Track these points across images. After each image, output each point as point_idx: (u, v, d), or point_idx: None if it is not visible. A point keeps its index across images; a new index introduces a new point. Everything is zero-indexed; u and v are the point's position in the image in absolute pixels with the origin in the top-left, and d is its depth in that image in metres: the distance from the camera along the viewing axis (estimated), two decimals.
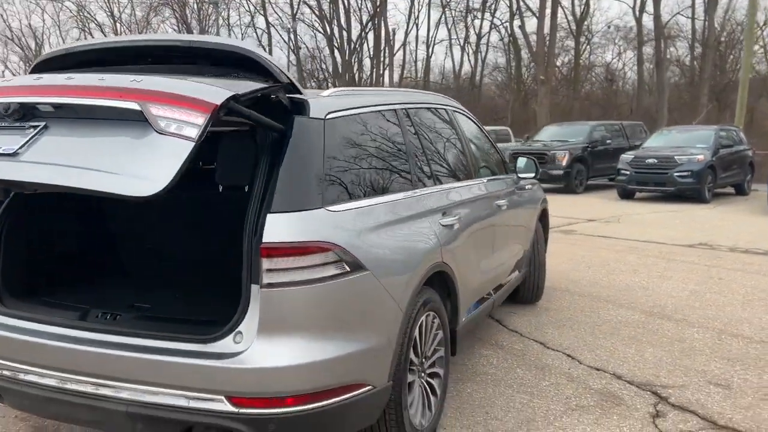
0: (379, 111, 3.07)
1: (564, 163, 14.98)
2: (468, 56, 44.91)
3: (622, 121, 19.37)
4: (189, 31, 42.68)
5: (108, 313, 2.56)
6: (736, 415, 3.39)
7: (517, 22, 35.87)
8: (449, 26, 43.75)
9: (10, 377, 2.50)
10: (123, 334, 2.35)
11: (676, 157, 13.07)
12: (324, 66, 44.85)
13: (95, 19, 45.67)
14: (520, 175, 4.84)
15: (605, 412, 3.43)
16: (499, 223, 4.20)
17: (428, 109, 3.74)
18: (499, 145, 18.72)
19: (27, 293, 2.73)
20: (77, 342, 2.37)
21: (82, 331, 2.42)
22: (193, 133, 1.99)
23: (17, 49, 44.42)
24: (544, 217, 5.63)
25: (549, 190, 15.74)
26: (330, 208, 2.40)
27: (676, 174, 12.92)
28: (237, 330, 2.23)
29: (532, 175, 4.88)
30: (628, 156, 13.89)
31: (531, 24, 34.46)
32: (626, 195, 13.89)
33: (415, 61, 46.17)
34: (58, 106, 2.20)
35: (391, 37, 41.90)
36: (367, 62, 43.73)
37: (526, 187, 5.08)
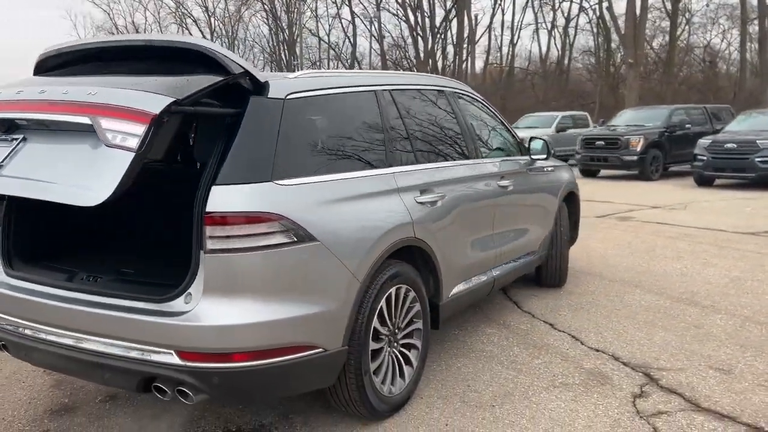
0: (353, 92, 3.22)
1: (638, 148, 14.45)
2: (555, 41, 43.79)
3: (711, 104, 18.35)
4: (276, 22, 43.86)
5: (91, 276, 2.87)
6: (723, 399, 3.32)
7: (605, 3, 34.57)
8: (536, 10, 42.79)
9: (12, 331, 2.86)
10: (97, 293, 2.65)
11: (758, 141, 12.31)
12: (407, 54, 45.03)
13: (191, 14, 47.89)
14: (534, 157, 4.83)
15: (587, 390, 3.45)
16: (502, 203, 4.25)
17: (418, 91, 3.84)
18: (576, 130, 18.23)
19: (32, 258, 3.09)
20: (62, 300, 2.69)
21: (67, 291, 2.73)
22: (134, 143, 2.23)
23: None
24: (572, 201, 5.58)
25: (622, 176, 15.39)
26: (280, 182, 2.58)
27: (757, 159, 12.18)
28: (187, 291, 2.46)
29: (544, 156, 4.86)
30: (705, 141, 13.22)
31: (620, 6, 33.18)
32: (703, 182, 13.22)
33: (500, 47, 45.49)
34: (32, 120, 2.53)
35: (475, 23, 41.47)
36: (450, 49, 43.52)
37: (546, 168, 5.06)
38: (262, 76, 2.72)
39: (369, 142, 3.20)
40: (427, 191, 3.41)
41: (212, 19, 47.30)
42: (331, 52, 47.98)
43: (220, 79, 2.53)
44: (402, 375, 3.25)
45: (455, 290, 3.74)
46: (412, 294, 3.27)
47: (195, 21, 47.27)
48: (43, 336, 2.73)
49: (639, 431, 3.00)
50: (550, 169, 5.14)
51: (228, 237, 2.41)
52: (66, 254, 3.25)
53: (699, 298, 5.12)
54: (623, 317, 4.66)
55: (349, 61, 46.10)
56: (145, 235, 3.79)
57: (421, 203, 3.31)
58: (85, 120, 2.32)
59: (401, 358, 3.25)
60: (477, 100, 4.53)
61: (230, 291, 2.45)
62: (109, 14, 55.26)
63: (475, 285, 3.99)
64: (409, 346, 3.33)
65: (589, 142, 15.51)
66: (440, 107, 3.99)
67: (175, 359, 2.44)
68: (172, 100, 2.29)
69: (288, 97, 2.78)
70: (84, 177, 2.30)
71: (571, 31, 42.16)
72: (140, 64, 2.79)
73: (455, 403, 3.33)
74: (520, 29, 46.14)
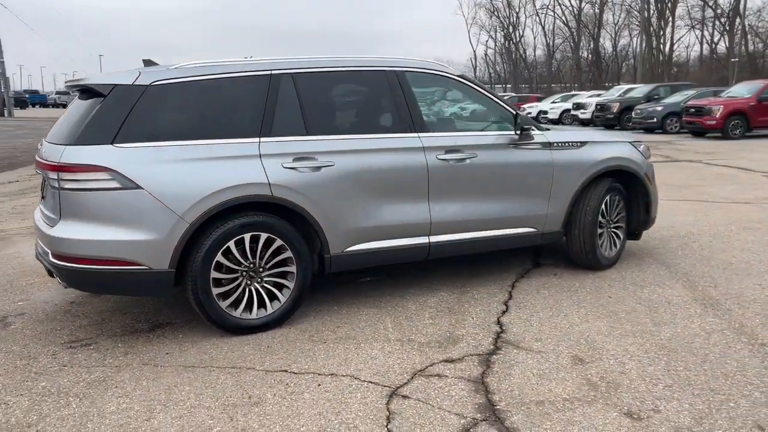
0: (232, 77, 4.04)
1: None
2: None
3: None
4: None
5: None
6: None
7: None
8: None
9: None
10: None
11: None
12: None
13: None
14: (523, 133, 4.79)
15: (401, 347, 3.72)
16: (445, 176, 4.49)
17: (337, 72, 4.37)
18: None
19: None
20: None
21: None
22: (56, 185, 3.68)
23: None
24: (629, 182, 5.32)
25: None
26: (119, 145, 3.66)
27: None
28: (56, 215, 3.75)
29: (512, 132, 4.81)
30: None
31: None
32: None
33: None
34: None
35: None
36: None
37: (557, 144, 4.94)
38: (130, 74, 3.83)
39: (237, 117, 4.02)
40: (306, 158, 4.06)
41: None
42: None
43: (101, 101, 3.75)
44: (264, 306, 4.03)
45: (354, 248, 4.27)
46: (278, 242, 4.00)
47: None
48: None
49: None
50: (562, 145, 4.98)
51: (70, 180, 3.62)
52: None
53: (716, 294, 4.45)
54: (591, 305, 4.44)
55: None
56: None
57: (289, 168, 3.99)
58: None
59: (265, 293, 4.02)
60: (448, 80, 4.76)
61: (75, 217, 3.66)
62: None
63: (393, 247, 4.39)
64: (278, 285, 4.08)
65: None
66: (367, 87, 4.46)
67: (51, 258, 3.77)
68: (65, 146, 3.67)
69: (153, 83, 3.83)
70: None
71: None
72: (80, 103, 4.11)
73: (307, 334, 3.97)
74: None
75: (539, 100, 38.43)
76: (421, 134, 4.50)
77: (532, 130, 4.90)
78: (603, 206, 5.17)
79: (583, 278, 5.07)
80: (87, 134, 3.70)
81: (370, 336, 3.95)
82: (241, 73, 4.10)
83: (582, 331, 3.97)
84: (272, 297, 4.08)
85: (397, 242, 4.43)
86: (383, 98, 4.52)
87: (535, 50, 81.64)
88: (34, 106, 66.49)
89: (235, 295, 3.97)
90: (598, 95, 31.06)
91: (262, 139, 4.01)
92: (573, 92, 41.24)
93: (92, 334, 4.07)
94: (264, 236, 3.97)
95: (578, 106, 29.48)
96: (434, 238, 4.56)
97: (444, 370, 3.44)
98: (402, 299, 4.62)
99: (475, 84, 4.90)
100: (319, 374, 3.42)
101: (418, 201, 4.46)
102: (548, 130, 5.15)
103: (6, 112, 39.37)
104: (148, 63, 4.41)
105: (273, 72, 4.16)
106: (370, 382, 3.30)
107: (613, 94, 28.96)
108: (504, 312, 4.34)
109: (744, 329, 3.95)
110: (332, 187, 4.13)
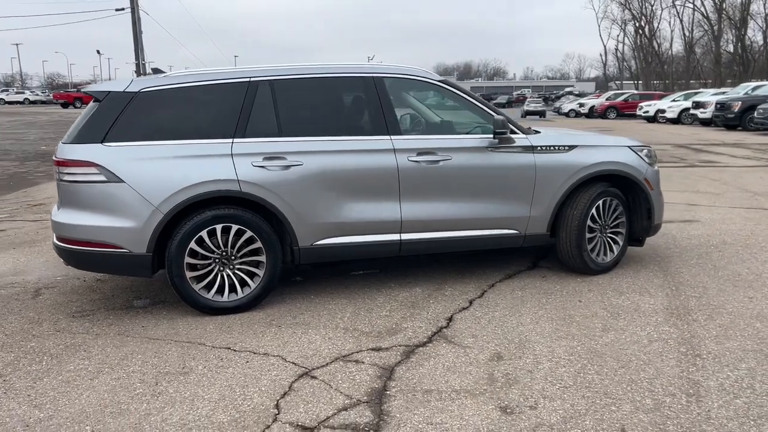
0: (213, 84, 4.51)
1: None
2: None
3: None
4: None
5: None
6: None
7: None
8: None
9: None
10: None
11: None
12: None
13: None
14: (501, 137, 4.90)
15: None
16: (416, 177, 4.71)
17: (315, 80, 4.72)
18: None
19: None
20: None
21: None
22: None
23: None
24: (628, 188, 5.32)
25: None
26: (108, 144, 4.25)
27: None
28: (60, 204, 4.41)
29: (490, 135, 4.89)
30: None
31: None
32: None
33: None
34: None
35: None
36: None
37: (541, 148, 5.00)
38: (123, 82, 4.41)
39: (215, 120, 4.48)
40: (276, 158, 4.45)
41: None
42: None
43: (97, 105, 4.36)
44: (235, 289, 4.48)
45: (323, 242, 4.62)
46: (248, 233, 4.44)
47: None
48: None
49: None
50: (546, 149, 5.03)
51: (67, 173, 4.25)
52: None
53: (693, 305, 4.34)
54: (549, 308, 4.50)
55: None
56: None
57: (257, 166, 4.41)
58: None
59: (235, 277, 4.47)
60: (430, 85, 4.97)
61: (70, 205, 4.30)
62: None
63: (363, 242, 4.69)
64: (249, 273, 4.51)
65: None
66: (345, 93, 4.78)
67: (54, 239, 4.44)
68: (65, 144, 4.31)
69: (142, 90, 4.38)
70: None
71: None
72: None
73: (269, 318, 4.37)
74: None
75: (662, 97, 36.44)
76: (393, 137, 4.74)
77: (513, 133, 4.99)
78: (594, 210, 5.15)
79: (567, 282, 5.09)
80: (82, 134, 4.32)
81: (324, 323, 4.28)
82: (222, 81, 4.57)
83: (524, 331, 4.06)
84: (244, 283, 4.51)
85: (367, 238, 4.72)
86: (359, 103, 4.82)
87: (672, 44, 77.06)
88: None
89: (208, 279, 4.44)
90: (723, 93, 29.00)
91: (236, 140, 4.45)
92: (698, 90, 38.67)
93: (96, 307, 4.72)
94: (235, 227, 4.41)
95: (698, 105, 27.72)
96: (405, 236, 4.79)
97: (365, 357, 3.71)
98: (376, 292, 4.90)
99: (457, 89, 5.06)
100: (254, 353, 3.80)
101: (389, 200, 4.72)
102: (537, 133, 5.21)
103: None
104: (156, 71, 5.00)
105: (251, 79, 4.59)
106: (292, 363, 3.64)
107: (739, 91, 26.92)
108: (463, 309, 4.50)
109: (691, 340, 3.86)
110: (300, 184, 4.50)
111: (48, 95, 69.96)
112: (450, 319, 4.30)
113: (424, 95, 5.69)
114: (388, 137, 4.73)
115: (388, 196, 4.72)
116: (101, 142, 4.28)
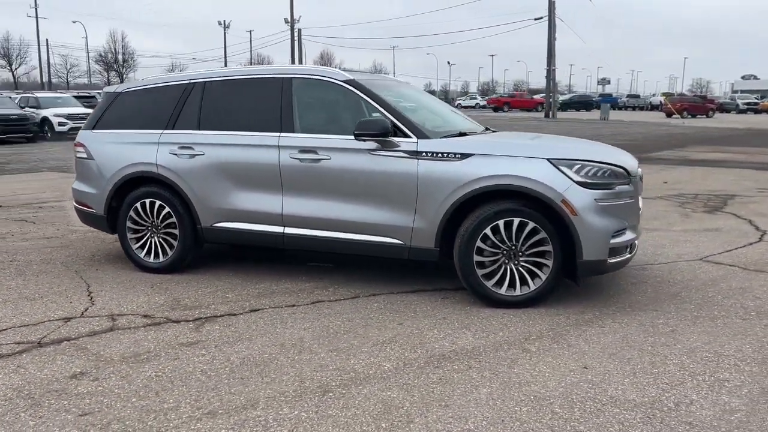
0: (163, 86, 5.52)
1: None
2: None
3: None
4: None
5: None
6: None
7: None
8: None
9: None
10: None
11: None
12: None
13: None
14: (363, 138, 4.69)
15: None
16: (298, 174, 4.91)
17: (235, 81, 5.27)
18: None
19: None
20: None
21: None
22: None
23: None
24: (500, 200, 4.45)
25: None
26: (95, 131, 5.73)
27: None
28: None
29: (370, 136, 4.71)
30: None
31: None
32: None
33: None
34: None
35: None
36: None
37: (426, 154, 4.57)
38: (118, 85, 5.82)
39: (156, 114, 5.49)
40: (187, 147, 5.28)
41: None
42: None
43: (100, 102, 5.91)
44: (165, 253, 5.47)
45: (220, 224, 5.24)
46: (166, 209, 5.39)
47: None
48: None
49: None
50: (434, 155, 4.55)
51: (76, 151, 5.89)
52: None
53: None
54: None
55: None
56: None
57: (173, 154, 5.30)
58: None
59: (161, 244, 5.47)
60: (332, 85, 5.01)
61: (77, 176, 5.93)
62: None
63: (251, 230, 5.12)
64: (167, 241, 5.45)
65: None
66: (259, 92, 5.18)
67: (74, 203, 6.15)
68: (82, 129, 5.96)
69: (123, 91, 5.75)
70: None
71: None
72: None
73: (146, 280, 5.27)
74: None
75: None
76: (283, 134, 5.00)
77: (404, 136, 4.66)
78: (490, 231, 4.40)
79: (454, 308, 4.50)
80: (88, 123, 5.92)
81: (158, 290, 4.95)
82: (172, 83, 5.60)
83: (283, 335, 4.03)
84: (169, 249, 5.44)
85: (254, 227, 5.13)
86: (267, 101, 5.18)
87: None
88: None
89: (142, 242, 5.54)
90: None
91: (165, 131, 5.42)
92: None
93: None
94: (158, 203, 5.40)
95: None
96: (288, 230, 5.02)
97: (138, 319, 4.33)
98: (261, 278, 5.23)
99: (360, 89, 4.92)
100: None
101: (272, 193, 5.03)
102: (443, 138, 4.72)
103: (551, 114, 44.70)
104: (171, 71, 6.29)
105: (191, 81, 5.49)
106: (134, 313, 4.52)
107: None
108: (255, 311, 4.57)
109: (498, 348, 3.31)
110: (201, 171, 5.21)
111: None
112: (232, 314, 4.46)
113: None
114: (277, 134, 5.02)
115: (272, 189, 5.03)
116: (92, 129, 5.80)
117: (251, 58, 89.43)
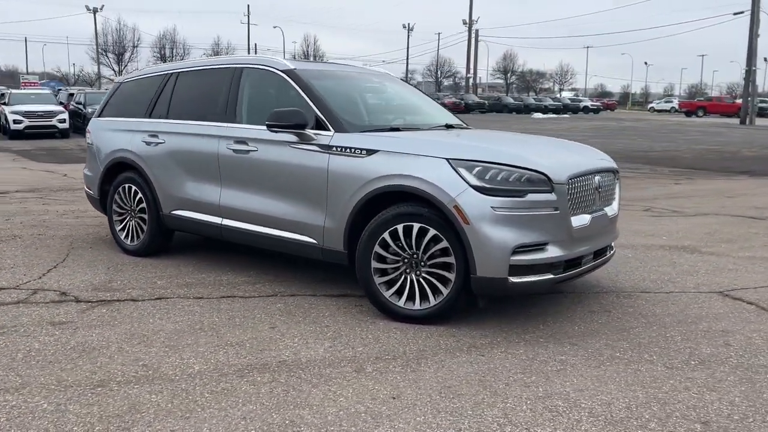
0: (149, 77, 5.71)
1: None
2: None
3: None
4: None
5: None
6: None
7: None
8: None
9: None
10: None
11: None
12: None
13: None
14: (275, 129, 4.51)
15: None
16: (232, 165, 4.84)
17: (202, 71, 5.31)
18: None
19: None
20: None
21: None
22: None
23: None
24: (402, 202, 3.97)
25: None
26: (100, 119, 6.10)
27: None
28: None
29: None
30: None
31: None
32: None
33: None
34: None
35: None
36: None
37: (337, 149, 4.25)
38: (122, 77, 6.15)
39: (139, 103, 5.69)
40: (154, 135, 5.43)
41: None
42: None
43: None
44: (138, 237, 5.69)
45: (176, 212, 5.31)
46: (139, 194, 5.60)
47: None
48: None
49: None
50: (342, 150, 4.21)
51: (86, 139, 6.33)
52: None
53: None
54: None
55: None
56: None
57: (144, 141, 5.48)
58: None
59: (135, 228, 5.69)
60: (272, 74, 4.84)
61: (87, 158, 6.36)
62: None
63: (200, 220, 5.13)
64: (140, 225, 5.65)
65: None
66: (217, 82, 5.15)
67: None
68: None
69: (123, 81, 6.07)
70: None
71: None
72: None
73: (128, 260, 5.48)
74: None
75: None
76: (227, 124, 4.93)
77: (323, 129, 4.37)
78: (389, 236, 3.96)
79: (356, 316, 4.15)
80: (97, 111, 6.32)
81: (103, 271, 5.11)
82: (154, 73, 5.79)
83: (151, 321, 4.00)
84: (140, 233, 5.65)
85: (200, 216, 5.14)
86: (221, 91, 5.13)
87: None
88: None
89: (123, 225, 5.80)
90: None
91: (142, 119, 5.62)
92: None
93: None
94: (133, 188, 5.63)
95: None
96: (225, 222, 4.95)
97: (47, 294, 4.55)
98: (211, 268, 5.20)
99: (294, 80, 4.67)
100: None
101: (213, 184, 4.99)
102: (362, 132, 4.36)
103: (748, 120, 39.65)
104: None
105: (169, 71, 5.63)
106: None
107: None
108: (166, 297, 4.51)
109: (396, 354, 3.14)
110: (160, 159, 5.34)
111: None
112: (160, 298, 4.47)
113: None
114: (222, 124, 4.96)
115: (213, 180, 5.00)
116: (98, 117, 6.19)
117: (437, 61, 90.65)
